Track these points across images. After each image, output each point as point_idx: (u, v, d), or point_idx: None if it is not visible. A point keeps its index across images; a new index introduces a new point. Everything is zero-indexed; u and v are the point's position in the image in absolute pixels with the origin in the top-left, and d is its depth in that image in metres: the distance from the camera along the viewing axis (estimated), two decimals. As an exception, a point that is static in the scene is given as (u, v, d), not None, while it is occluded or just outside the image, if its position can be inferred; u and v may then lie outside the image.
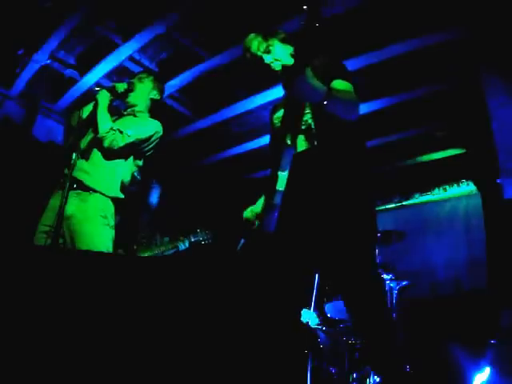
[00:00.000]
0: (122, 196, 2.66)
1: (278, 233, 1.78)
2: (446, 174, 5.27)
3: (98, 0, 3.80)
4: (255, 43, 2.06)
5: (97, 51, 4.47)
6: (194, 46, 4.30)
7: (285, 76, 1.86)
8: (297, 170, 1.79)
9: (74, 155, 2.40)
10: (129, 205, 2.74)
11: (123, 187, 2.69)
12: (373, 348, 1.78)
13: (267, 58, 2.05)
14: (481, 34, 3.58)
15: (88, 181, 2.52)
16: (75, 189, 2.49)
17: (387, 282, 3.73)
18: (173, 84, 4.68)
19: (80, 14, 3.91)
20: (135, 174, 2.81)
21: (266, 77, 2.15)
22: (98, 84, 4.90)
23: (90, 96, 2.66)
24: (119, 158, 2.65)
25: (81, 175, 2.53)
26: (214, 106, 5.03)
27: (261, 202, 2.12)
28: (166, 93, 4.82)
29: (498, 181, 3.58)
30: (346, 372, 3.10)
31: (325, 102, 1.64)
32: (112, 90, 2.68)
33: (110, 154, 2.61)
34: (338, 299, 3.94)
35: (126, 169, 2.71)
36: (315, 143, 1.88)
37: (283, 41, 2.10)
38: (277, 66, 2.06)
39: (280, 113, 2.10)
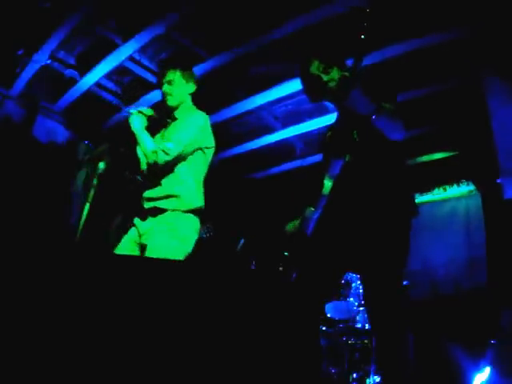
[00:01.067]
0: (200, 204, 2.61)
1: (315, 235, 1.93)
2: (446, 173, 5.27)
3: (98, 0, 3.80)
4: (315, 65, 2.16)
5: (97, 51, 4.47)
6: (193, 46, 4.30)
7: (341, 87, 1.99)
8: (340, 181, 1.92)
9: (101, 165, 2.40)
10: (130, 205, 2.74)
11: (200, 191, 2.65)
12: (386, 351, 1.83)
13: (324, 77, 2.14)
14: (481, 35, 3.58)
15: (160, 204, 2.53)
16: (152, 214, 2.54)
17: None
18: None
19: (80, 13, 3.91)
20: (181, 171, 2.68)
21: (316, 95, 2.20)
22: (98, 84, 4.90)
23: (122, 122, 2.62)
24: (177, 169, 2.59)
25: (151, 204, 2.55)
26: (214, 106, 5.03)
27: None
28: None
29: (498, 181, 3.58)
30: (346, 372, 3.11)
31: (374, 116, 1.78)
32: (141, 114, 2.63)
33: (167, 171, 2.58)
34: (338, 299, 3.94)
35: (195, 172, 2.65)
36: (359, 157, 1.98)
37: (341, 68, 2.19)
38: (332, 85, 2.13)
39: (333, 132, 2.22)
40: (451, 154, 5.19)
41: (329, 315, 3.88)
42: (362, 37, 1.82)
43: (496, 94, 3.66)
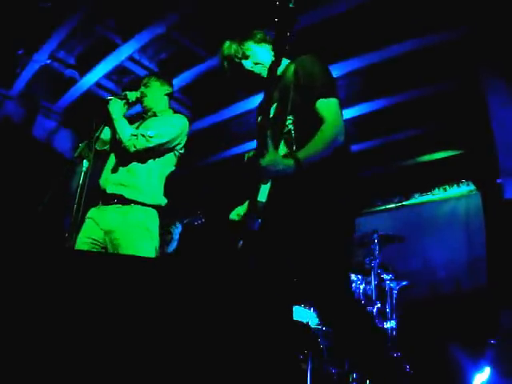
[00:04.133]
0: (165, 202, 2.63)
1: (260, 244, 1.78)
2: (446, 173, 5.27)
3: (98, 0, 3.80)
4: (231, 50, 1.98)
5: (97, 51, 4.47)
6: (193, 46, 4.30)
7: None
8: (275, 185, 1.74)
9: (85, 163, 2.37)
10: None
11: (164, 191, 2.67)
12: (359, 361, 1.77)
13: (247, 64, 1.98)
14: (481, 35, 3.58)
15: (127, 193, 2.49)
16: (115, 203, 2.48)
17: (387, 282, 3.73)
18: (173, 84, 4.68)
19: (80, 13, 3.91)
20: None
21: (249, 85, 2.06)
22: (98, 84, 4.91)
23: (101, 106, 2.61)
24: (150, 159, 2.60)
25: (119, 189, 2.50)
26: (214, 106, 5.03)
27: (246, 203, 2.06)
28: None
29: (498, 181, 3.58)
30: (346, 372, 3.10)
31: (301, 170, 1.65)
32: (124, 99, 2.63)
33: (139, 159, 2.56)
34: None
35: (162, 171, 2.68)
36: (294, 148, 1.80)
37: (260, 41, 1.99)
38: (258, 69, 1.97)
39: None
40: (451, 153, 5.19)
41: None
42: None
43: (496, 94, 3.66)
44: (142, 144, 2.51)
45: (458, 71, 4.09)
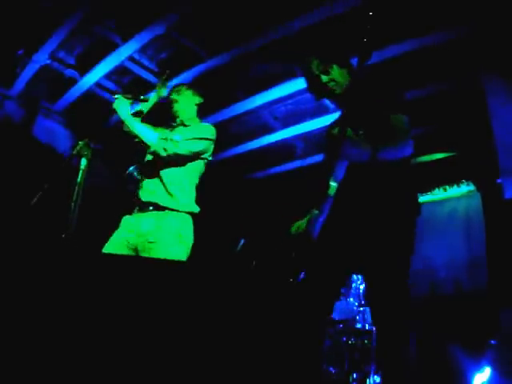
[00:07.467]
0: (197, 209, 2.65)
1: (322, 238, 1.92)
2: (446, 174, 5.27)
3: (98, 0, 3.81)
4: (315, 64, 2.19)
5: (97, 51, 4.47)
6: (193, 46, 4.30)
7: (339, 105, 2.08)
8: (348, 182, 1.92)
9: (83, 161, 2.38)
10: (127, 204, 2.72)
11: (194, 198, 2.70)
12: (388, 350, 1.85)
13: (324, 78, 2.17)
14: (481, 34, 3.58)
15: (161, 201, 2.54)
16: (151, 210, 2.54)
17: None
18: (173, 84, 4.68)
19: (80, 13, 3.91)
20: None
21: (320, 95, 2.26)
22: (98, 84, 4.90)
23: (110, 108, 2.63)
24: (180, 166, 2.64)
25: (153, 197, 2.56)
26: (214, 106, 5.03)
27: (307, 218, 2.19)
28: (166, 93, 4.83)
29: (498, 181, 3.58)
30: (346, 372, 3.10)
31: (372, 159, 1.83)
32: (136, 99, 2.65)
33: (170, 166, 2.61)
34: (338, 299, 3.93)
35: (193, 178, 2.71)
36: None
37: (342, 67, 2.24)
38: (332, 86, 2.17)
39: (336, 130, 2.21)
40: (451, 154, 5.19)
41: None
42: (365, 38, 1.84)
43: (496, 93, 3.66)
44: (171, 149, 2.54)
45: (458, 71, 4.09)
